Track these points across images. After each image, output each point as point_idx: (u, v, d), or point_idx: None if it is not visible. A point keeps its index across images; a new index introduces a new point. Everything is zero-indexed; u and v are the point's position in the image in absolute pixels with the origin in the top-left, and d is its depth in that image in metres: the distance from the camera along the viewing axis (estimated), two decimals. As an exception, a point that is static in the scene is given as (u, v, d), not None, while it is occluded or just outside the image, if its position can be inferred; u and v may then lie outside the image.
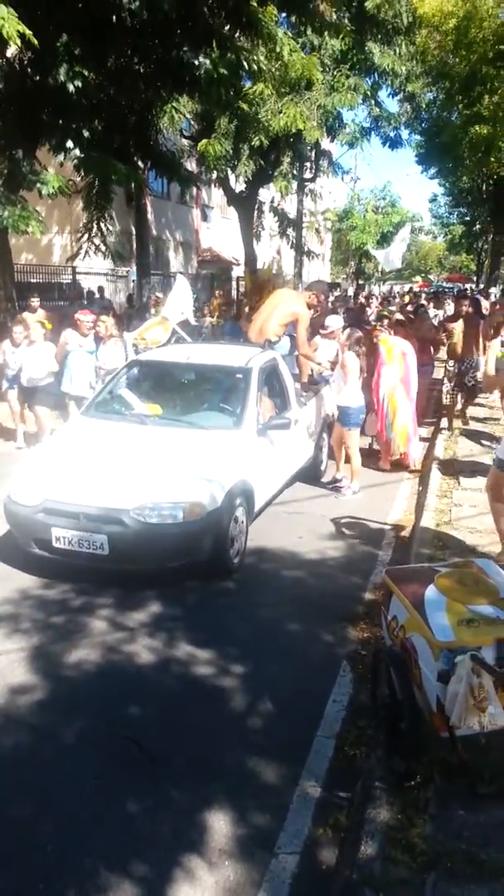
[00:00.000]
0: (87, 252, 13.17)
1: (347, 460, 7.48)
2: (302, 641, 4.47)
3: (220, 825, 2.97)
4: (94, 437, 5.98)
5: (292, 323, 7.81)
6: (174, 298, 9.27)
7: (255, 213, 23.30)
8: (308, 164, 23.42)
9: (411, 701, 2.87)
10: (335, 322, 9.32)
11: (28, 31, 7.21)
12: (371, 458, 8.33)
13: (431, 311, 16.78)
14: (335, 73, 16.65)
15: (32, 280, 17.21)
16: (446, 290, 38.23)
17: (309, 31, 12.84)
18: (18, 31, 7.13)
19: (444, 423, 9.83)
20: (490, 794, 2.74)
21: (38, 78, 9.69)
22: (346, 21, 15.87)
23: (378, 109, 19.65)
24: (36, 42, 7.36)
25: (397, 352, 8.11)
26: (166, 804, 3.07)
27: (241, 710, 3.76)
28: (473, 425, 9.91)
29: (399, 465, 8.31)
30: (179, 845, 2.86)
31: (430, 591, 2.95)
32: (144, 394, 6.73)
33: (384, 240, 39.01)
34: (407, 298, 22.30)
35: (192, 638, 4.45)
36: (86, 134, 9.62)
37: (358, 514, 6.77)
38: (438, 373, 11.22)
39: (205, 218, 30.72)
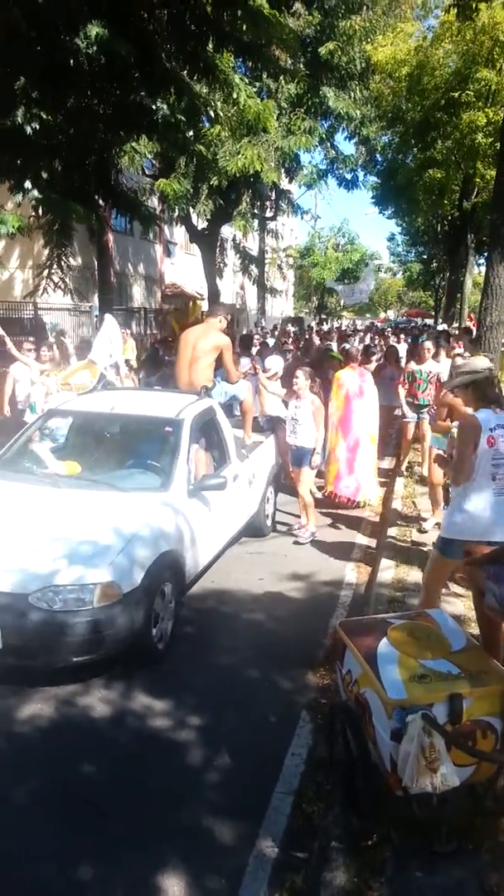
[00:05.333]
0: (45, 289, 13.13)
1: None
2: (261, 690, 4.40)
3: (174, 890, 2.88)
4: None
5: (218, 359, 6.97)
6: (102, 340, 8.48)
7: (218, 249, 23.57)
8: (268, 203, 23.83)
9: (366, 758, 2.83)
10: (276, 364, 8.85)
11: (-15, 76, 7.26)
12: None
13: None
14: (291, 115, 17.06)
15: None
16: (401, 325, 38.83)
17: (265, 76, 13.16)
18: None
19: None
20: (447, 852, 2.71)
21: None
22: (301, 66, 16.30)
23: (334, 152, 20.14)
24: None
25: (342, 392, 7.88)
26: (119, 868, 2.97)
27: (198, 765, 3.67)
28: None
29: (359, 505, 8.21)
30: (132, 914, 2.76)
31: (383, 645, 2.93)
32: (61, 449, 6.13)
33: (344, 276, 39.82)
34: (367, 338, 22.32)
35: (149, 688, 4.36)
36: (44, 175, 9.64)
37: (319, 554, 6.77)
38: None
39: (168, 254, 30.95)
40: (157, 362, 10.66)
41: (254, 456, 6.98)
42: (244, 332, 25.88)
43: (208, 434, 6.22)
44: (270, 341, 17.83)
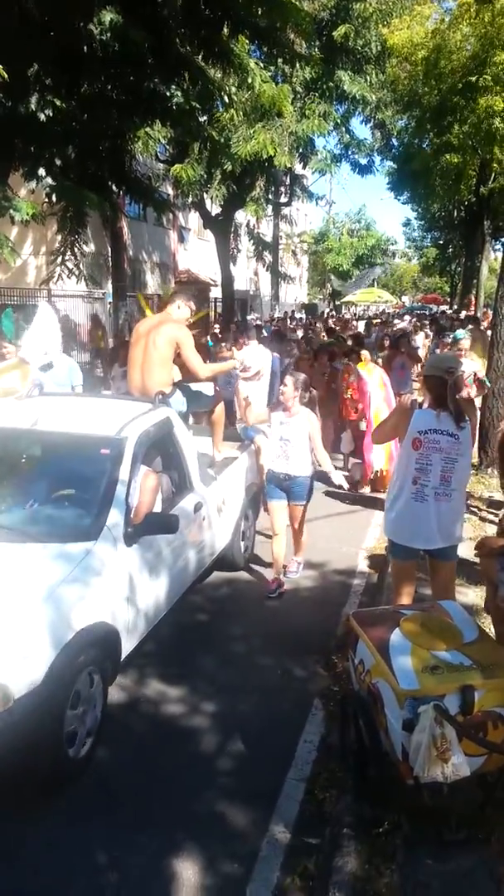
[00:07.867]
0: (59, 275, 13.16)
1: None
2: (274, 677, 4.45)
3: (188, 874, 2.93)
4: None
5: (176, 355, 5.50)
6: (35, 334, 7.11)
7: (232, 235, 23.48)
8: (283, 188, 23.68)
9: (378, 747, 2.86)
10: (258, 358, 7.82)
11: (-3, 64, 7.23)
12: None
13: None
14: (306, 99, 16.90)
15: (6, 303, 17.10)
16: (415, 310, 38.45)
17: (280, 62, 13.05)
18: (-11, 64, 7.14)
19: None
20: (457, 841, 2.74)
21: (9, 104, 9.71)
22: (316, 50, 16.12)
23: (349, 137, 19.95)
24: (6, 75, 7.37)
25: (376, 377, 8.26)
26: (134, 851, 3.02)
27: (212, 751, 3.72)
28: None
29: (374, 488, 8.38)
30: (146, 896, 2.81)
31: (396, 636, 2.96)
32: None
33: (359, 262, 39.59)
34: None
35: (163, 674, 4.41)
36: (58, 162, 9.64)
37: (332, 543, 6.78)
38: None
39: (182, 240, 30.86)
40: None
41: (224, 476, 5.71)
42: (248, 318, 25.65)
43: (164, 453, 4.98)
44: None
